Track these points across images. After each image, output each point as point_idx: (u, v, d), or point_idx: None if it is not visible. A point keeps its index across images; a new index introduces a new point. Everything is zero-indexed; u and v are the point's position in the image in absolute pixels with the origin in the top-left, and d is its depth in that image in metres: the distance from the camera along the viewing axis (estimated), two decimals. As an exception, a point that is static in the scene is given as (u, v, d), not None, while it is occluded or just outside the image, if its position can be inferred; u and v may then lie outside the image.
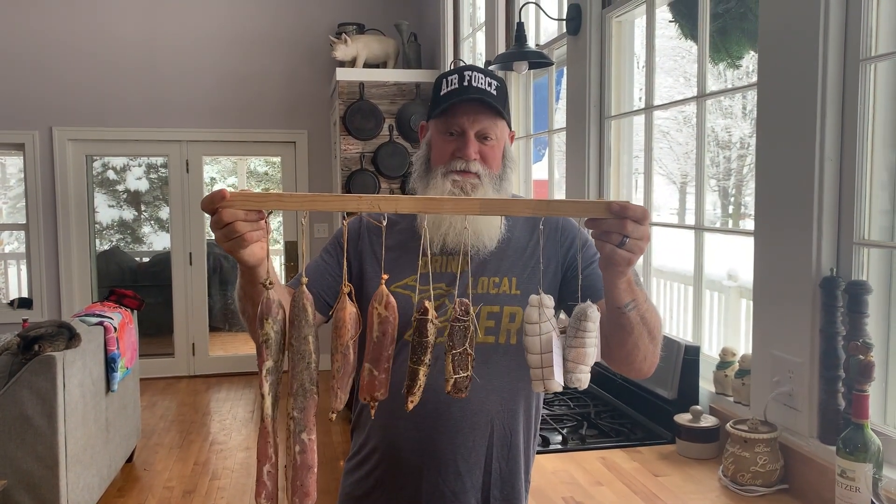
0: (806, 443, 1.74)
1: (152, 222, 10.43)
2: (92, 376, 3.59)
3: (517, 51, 2.90)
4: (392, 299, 1.10)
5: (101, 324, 3.80)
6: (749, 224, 1.89)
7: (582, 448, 2.08)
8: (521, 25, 2.96)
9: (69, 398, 3.27)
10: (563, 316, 1.51)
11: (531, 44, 3.20)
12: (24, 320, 4.23)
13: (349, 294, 1.10)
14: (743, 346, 4.10)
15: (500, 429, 1.46)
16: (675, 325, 5.26)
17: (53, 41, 5.99)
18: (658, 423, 2.19)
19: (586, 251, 1.46)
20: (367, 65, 5.40)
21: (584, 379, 1.12)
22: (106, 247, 8.70)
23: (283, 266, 6.77)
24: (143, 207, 10.35)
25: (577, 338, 1.11)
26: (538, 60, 2.94)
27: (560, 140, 3.59)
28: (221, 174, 11.90)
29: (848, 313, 1.63)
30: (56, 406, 3.17)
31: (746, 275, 3.94)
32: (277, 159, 6.75)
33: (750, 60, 2.45)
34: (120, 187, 10.13)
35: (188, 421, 5.29)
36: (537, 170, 4.27)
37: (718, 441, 1.97)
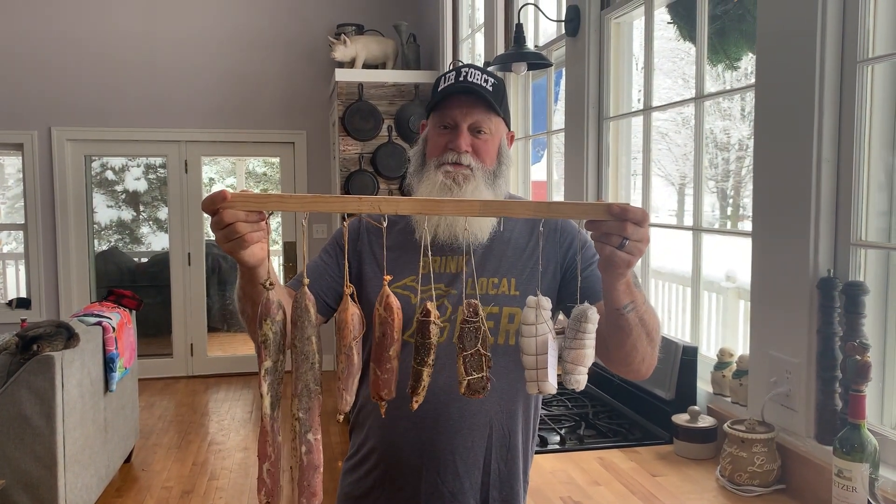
0: (803, 443, 1.74)
1: (151, 223, 10.42)
2: (90, 376, 3.59)
3: (516, 52, 2.91)
4: (392, 300, 1.10)
5: (99, 324, 3.80)
6: (747, 225, 1.89)
7: (580, 448, 2.08)
8: (520, 27, 2.97)
9: (68, 398, 3.27)
10: (561, 317, 1.52)
11: (530, 45, 3.21)
12: (23, 320, 4.23)
13: (351, 295, 1.11)
14: (741, 346, 4.11)
15: (499, 429, 1.46)
16: (674, 326, 5.27)
17: (53, 41, 5.99)
18: (656, 424, 2.20)
19: (585, 252, 1.47)
20: (366, 65, 5.41)
21: (582, 381, 1.13)
22: (104, 247, 8.70)
23: (281, 266, 6.77)
24: (141, 208, 10.34)
25: (576, 339, 1.11)
26: (537, 61, 2.95)
27: (559, 141, 3.59)
28: (220, 174, 11.90)
29: (845, 314, 1.64)
30: (54, 406, 3.17)
31: (744, 276, 3.95)
32: (276, 160, 6.75)
33: (748, 62, 2.45)
34: (119, 188, 10.12)
35: (186, 421, 5.29)
36: (536, 171, 4.28)
37: (716, 441, 1.97)
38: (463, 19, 5.15)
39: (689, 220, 2.42)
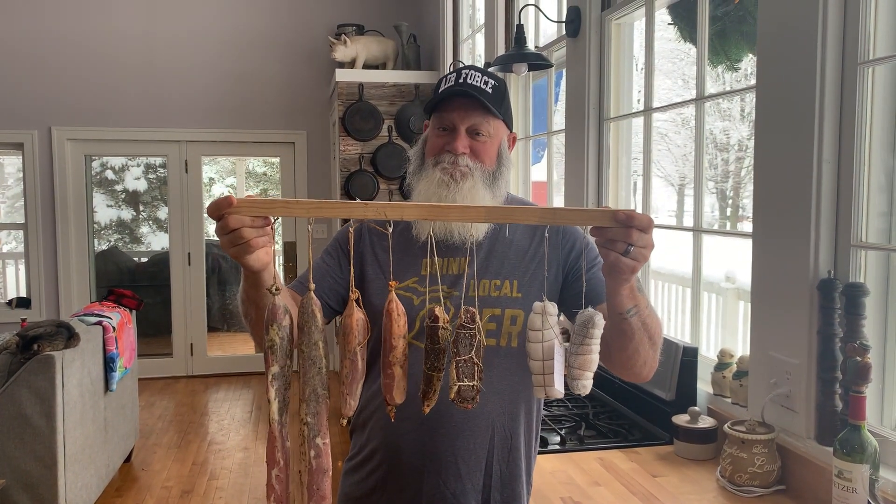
0: (803, 444, 1.74)
1: (150, 222, 10.42)
2: (91, 376, 3.59)
3: (517, 52, 2.91)
4: (394, 305, 1.11)
5: (99, 323, 3.80)
6: (747, 226, 1.90)
7: (580, 449, 2.09)
8: (520, 27, 2.97)
9: (68, 398, 3.27)
10: (562, 318, 1.52)
11: (530, 46, 3.21)
12: (23, 320, 4.24)
13: (357, 300, 1.11)
14: (741, 347, 4.11)
15: (500, 431, 1.46)
16: (674, 326, 5.27)
17: (53, 41, 5.99)
18: (656, 424, 2.20)
19: (587, 255, 1.47)
20: (366, 66, 5.41)
21: (588, 385, 1.13)
22: (104, 247, 8.70)
23: (281, 266, 6.77)
24: (141, 207, 10.34)
25: (583, 345, 1.12)
26: (537, 62, 2.95)
27: (559, 142, 3.59)
28: (220, 174, 11.90)
29: (845, 315, 1.64)
30: (55, 405, 3.18)
31: (744, 277, 3.95)
32: (276, 160, 6.75)
33: (748, 63, 2.46)
34: (118, 187, 10.13)
35: (186, 421, 5.29)
36: (536, 171, 4.28)
37: (716, 442, 1.97)
38: (463, 20, 5.15)
39: (688, 221, 2.43)
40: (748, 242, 1.96)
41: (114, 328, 3.87)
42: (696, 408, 2.04)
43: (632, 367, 1.33)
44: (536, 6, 3.29)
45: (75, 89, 6.05)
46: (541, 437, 2.09)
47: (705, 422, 2.01)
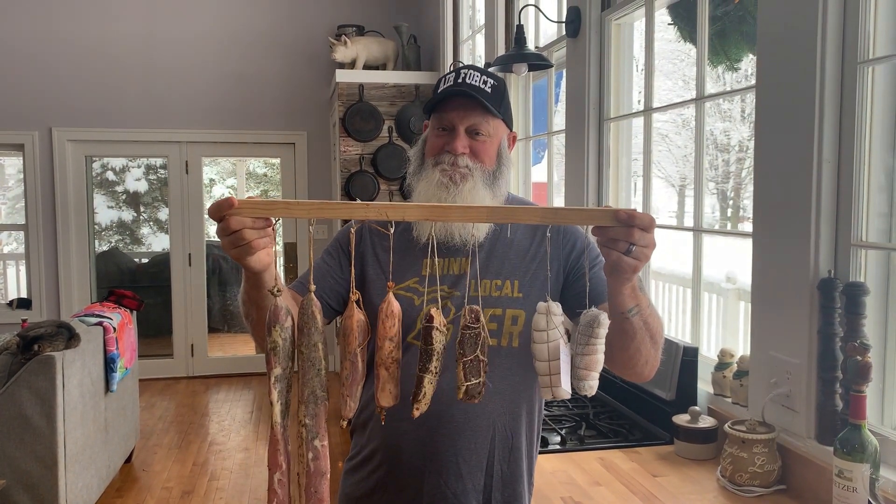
0: (803, 443, 1.74)
1: (151, 223, 10.42)
2: (91, 376, 3.59)
3: (516, 52, 2.91)
4: (384, 305, 1.11)
5: (100, 324, 3.80)
6: (747, 226, 1.90)
7: (580, 448, 2.09)
8: (520, 28, 2.97)
9: (68, 398, 3.27)
10: (563, 318, 1.51)
11: (530, 46, 3.21)
12: (24, 320, 4.24)
13: (357, 302, 1.11)
14: (741, 347, 4.11)
15: (501, 431, 1.46)
16: (674, 327, 5.27)
17: (54, 42, 6.00)
18: (656, 424, 2.20)
19: (588, 254, 1.47)
20: (366, 66, 5.41)
21: (594, 386, 1.13)
22: (105, 247, 8.71)
23: (282, 267, 6.77)
24: (142, 209, 10.34)
25: (588, 345, 1.11)
26: (537, 62, 2.95)
27: (559, 143, 3.59)
28: (221, 175, 11.91)
29: (845, 315, 1.64)
30: (55, 406, 3.18)
31: (745, 277, 3.95)
32: (277, 161, 6.75)
33: (748, 63, 2.46)
34: (119, 188, 10.13)
35: (187, 422, 5.29)
36: (536, 172, 4.28)
37: (716, 442, 1.97)
38: (463, 20, 5.15)
39: (689, 222, 2.43)
40: (749, 243, 1.96)
41: (114, 329, 3.87)
42: (697, 407, 2.04)
43: (633, 367, 1.33)
44: (536, 6, 3.29)
45: (76, 90, 6.05)
46: (541, 436, 2.10)
47: (706, 421, 2.01)
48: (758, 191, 1.91)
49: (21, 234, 6.50)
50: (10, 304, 6.25)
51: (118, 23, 6.09)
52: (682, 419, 2.03)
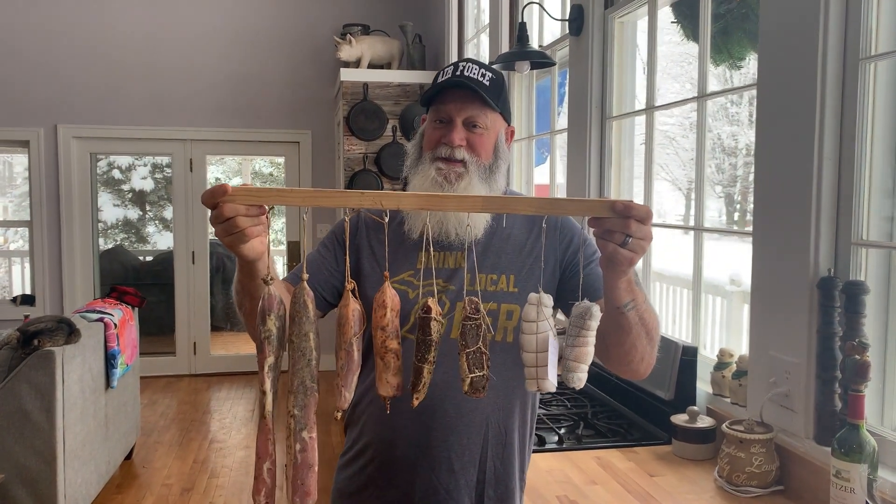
0: (802, 444, 1.73)
1: (157, 222, 10.44)
2: (91, 372, 3.59)
3: (519, 50, 2.90)
4: (377, 294, 1.10)
5: (101, 320, 3.80)
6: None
7: (578, 448, 2.07)
8: (523, 25, 2.96)
9: (68, 393, 3.27)
10: (560, 316, 1.50)
11: (534, 44, 3.20)
12: (26, 316, 4.24)
13: (352, 291, 1.10)
14: (744, 350, 4.08)
15: (495, 427, 1.45)
16: (678, 329, 5.24)
17: (59, 38, 6.01)
18: (655, 424, 2.18)
19: (585, 250, 1.46)
20: (371, 65, 5.41)
21: (583, 378, 1.11)
22: (110, 246, 8.72)
23: (285, 266, 6.77)
24: (147, 207, 10.37)
25: (579, 337, 1.10)
26: (540, 60, 2.94)
27: (563, 143, 3.58)
28: (226, 174, 11.92)
29: (845, 314, 1.62)
30: (55, 401, 3.17)
31: (749, 280, 3.92)
32: (281, 159, 6.75)
33: (752, 62, 2.44)
34: (125, 187, 10.16)
35: (188, 419, 5.29)
36: (540, 174, 4.26)
37: (715, 442, 1.95)
38: (468, 20, 5.14)
39: (702, 233, 2.40)
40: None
41: (115, 325, 3.87)
42: (695, 407, 2.02)
43: (629, 364, 1.32)
44: (540, 4, 3.28)
45: (81, 88, 6.07)
46: (539, 435, 2.09)
47: (704, 421, 1.99)
48: (758, 188, 1.90)
49: (26, 230, 6.50)
50: (14, 300, 6.27)
51: (124, 20, 6.10)
52: (680, 419, 2.01)
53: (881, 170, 1.64)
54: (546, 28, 3.75)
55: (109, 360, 3.80)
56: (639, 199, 2.91)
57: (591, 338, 1.11)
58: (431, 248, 1.45)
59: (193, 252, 6.43)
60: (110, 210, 10.19)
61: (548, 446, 2.08)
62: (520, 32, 2.94)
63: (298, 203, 1.06)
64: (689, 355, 2.13)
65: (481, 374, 1.11)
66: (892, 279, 1.67)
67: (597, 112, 2.88)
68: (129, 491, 4.02)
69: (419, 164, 1.48)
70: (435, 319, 1.12)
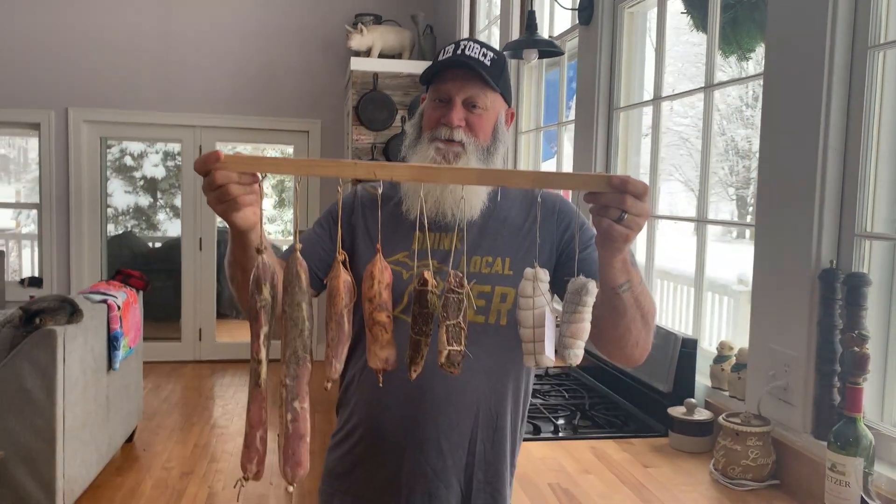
0: (799, 438, 1.70)
1: (167, 210, 10.47)
2: (93, 353, 3.60)
3: (527, 38, 2.87)
4: (374, 266, 1.08)
5: (104, 302, 3.81)
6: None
7: (573, 437, 2.05)
8: (532, 14, 2.93)
9: (69, 373, 3.28)
10: (554, 301, 1.48)
11: (543, 34, 3.17)
12: (31, 297, 4.26)
13: (343, 262, 1.09)
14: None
15: (486, 410, 1.43)
16: (681, 324, 5.20)
17: (72, 23, 6.03)
18: (652, 417, 2.16)
19: (582, 234, 1.44)
20: (382, 55, 5.39)
21: (580, 354, 1.10)
22: (120, 232, 8.76)
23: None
24: (158, 195, 10.40)
25: (575, 312, 1.08)
26: (548, 49, 2.91)
27: (571, 135, 3.55)
28: (237, 164, 11.93)
29: (846, 306, 1.60)
30: (55, 380, 3.18)
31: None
32: (290, 148, 6.75)
33: (761, 53, 2.41)
34: (137, 174, 10.20)
35: (191, 404, 5.30)
36: (547, 168, 4.23)
37: (712, 435, 1.93)
38: (480, 11, 5.11)
39: (705, 227, 2.37)
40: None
41: (119, 307, 3.88)
42: (693, 400, 2.00)
43: (623, 347, 1.29)
44: (550, -6, 3.26)
45: (93, 72, 6.08)
46: (534, 424, 2.07)
47: (702, 414, 1.97)
48: (762, 178, 1.87)
49: (35, 213, 6.53)
50: (22, 282, 6.30)
51: (137, 6, 6.11)
52: (677, 411, 1.99)
53: (887, 160, 1.61)
54: (556, 19, 3.72)
55: (112, 342, 3.81)
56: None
57: (588, 314, 1.09)
58: (426, 228, 1.44)
59: (201, 239, 6.45)
60: (121, 196, 10.22)
61: (543, 435, 2.06)
62: (529, 21, 2.92)
63: (292, 172, 1.06)
64: (688, 347, 2.10)
65: (458, 349, 1.10)
66: (896, 272, 1.64)
67: (604, 103, 2.85)
68: (129, 473, 4.03)
69: (418, 143, 1.47)
70: (432, 292, 1.11)
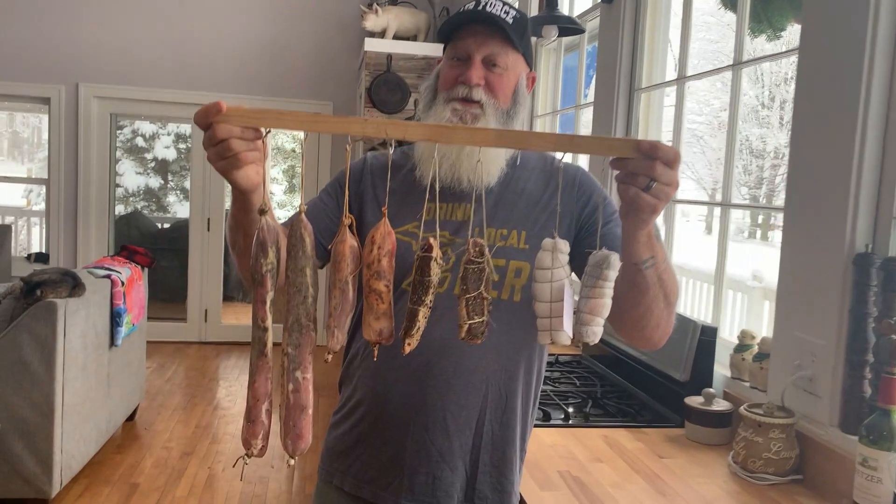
0: (825, 431, 1.61)
1: (178, 192, 10.45)
2: (95, 328, 3.54)
3: (547, 14, 2.78)
4: (378, 231, 1.00)
5: (108, 277, 3.74)
6: (778, 235, 1.78)
7: (585, 425, 1.97)
8: (553, -10, 2.84)
9: (69, 347, 3.22)
10: (572, 276, 1.40)
11: (564, 11, 3.08)
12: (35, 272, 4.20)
13: (350, 227, 1.01)
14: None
15: (495, 390, 1.35)
16: (699, 315, 5.13)
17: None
18: (668, 407, 2.08)
19: (605, 209, 1.35)
20: (396, 37, 5.30)
21: (598, 332, 1.01)
22: (130, 211, 8.74)
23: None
24: (169, 176, 10.38)
25: (595, 287, 1.00)
26: (569, 25, 2.81)
27: (586, 122, 3.46)
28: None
29: (882, 292, 1.51)
30: (55, 353, 3.12)
31: (772, 277, 3.80)
32: (301, 132, 6.67)
33: (792, 33, 2.31)
34: (148, 155, 10.17)
35: (195, 385, 5.25)
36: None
37: (731, 427, 1.84)
38: (498, -6, 5.01)
39: (717, 225, 2.29)
40: (777, 242, 1.82)
41: (123, 283, 3.82)
42: (712, 390, 1.91)
43: (643, 329, 1.21)
44: (572, -28, 3.16)
45: (105, 48, 6.02)
46: (545, 411, 1.99)
47: (720, 405, 1.88)
48: (793, 159, 1.77)
49: (44, 189, 6.49)
50: (28, 257, 6.27)
51: (151, -19, 6.04)
52: (695, 401, 1.90)
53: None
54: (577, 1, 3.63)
55: (115, 318, 3.75)
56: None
57: (609, 289, 1.01)
58: (438, 196, 1.35)
59: (209, 219, 6.38)
60: (132, 177, 10.21)
61: (553, 422, 1.98)
62: (549, -3, 2.82)
63: (297, 128, 0.99)
64: (708, 336, 2.01)
65: (481, 319, 1.01)
66: (936, 257, 1.55)
67: (625, 83, 2.75)
68: (129, 451, 3.98)
69: (433, 105, 1.38)
70: (435, 260, 1.02)
